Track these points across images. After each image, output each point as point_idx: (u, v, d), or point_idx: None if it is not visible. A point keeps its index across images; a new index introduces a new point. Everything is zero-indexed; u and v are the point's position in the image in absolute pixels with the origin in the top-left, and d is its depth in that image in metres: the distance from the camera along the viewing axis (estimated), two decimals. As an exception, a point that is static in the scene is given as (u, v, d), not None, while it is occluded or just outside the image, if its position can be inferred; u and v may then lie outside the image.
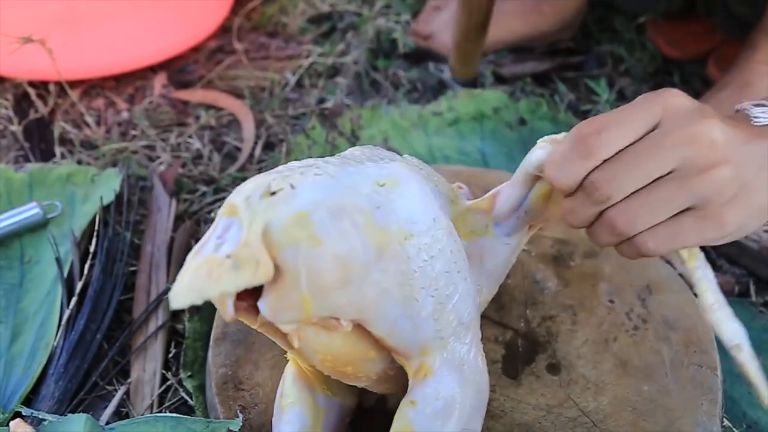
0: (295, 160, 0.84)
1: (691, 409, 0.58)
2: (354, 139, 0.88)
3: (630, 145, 0.47)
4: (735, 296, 0.76)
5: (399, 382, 0.51)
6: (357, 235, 0.44)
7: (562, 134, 0.51)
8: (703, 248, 0.79)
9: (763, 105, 0.50)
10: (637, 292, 0.67)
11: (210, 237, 0.43)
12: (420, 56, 1.09)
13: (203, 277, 0.41)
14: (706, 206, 0.47)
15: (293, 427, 0.52)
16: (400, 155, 0.54)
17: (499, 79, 1.05)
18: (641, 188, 0.47)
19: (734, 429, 0.63)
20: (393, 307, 0.46)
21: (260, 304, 0.43)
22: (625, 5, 1.02)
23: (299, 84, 1.06)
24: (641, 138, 0.47)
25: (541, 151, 0.52)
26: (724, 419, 0.63)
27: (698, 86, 1.02)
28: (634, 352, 0.63)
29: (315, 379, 0.53)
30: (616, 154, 0.47)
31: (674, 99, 0.47)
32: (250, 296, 0.44)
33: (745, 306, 0.73)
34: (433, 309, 0.48)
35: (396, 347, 0.48)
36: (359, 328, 0.47)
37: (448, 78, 1.03)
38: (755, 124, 0.49)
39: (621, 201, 0.48)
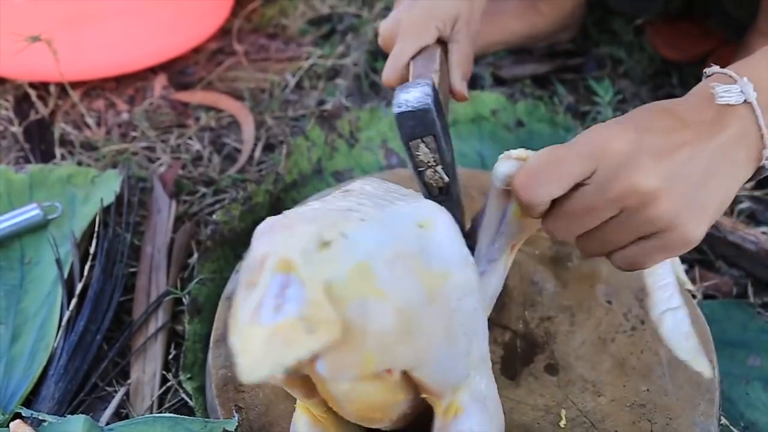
0: (295, 161, 0.86)
1: (689, 409, 0.59)
2: (353, 141, 0.89)
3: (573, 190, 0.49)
4: (733, 297, 0.76)
5: (410, 418, 0.51)
6: (412, 281, 0.43)
7: (518, 150, 0.52)
8: (701, 251, 0.80)
9: (730, 78, 0.49)
10: (635, 293, 0.67)
11: (264, 297, 0.39)
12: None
13: (280, 346, 0.37)
14: (662, 232, 0.49)
15: None
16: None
17: (499, 81, 1.05)
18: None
19: (732, 429, 0.63)
20: (440, 348, 0.45)
21: (319, 365, 0.40)
22: (619, 7, 1.03)
23: (299, 86, 1.06)
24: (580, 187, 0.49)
25: (506, 163, 0.51)
26: (722, 419, 0.63)
27: (697, 88, 1.02)
28: (631, 352, 0.63)
29: (331, 426, 0.51)
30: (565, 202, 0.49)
31: (610, 146, 0.48)
32: None
33: (743, 307, 0.73)
34: (465, 346, 0.47)
35: (434, 388, 0.47)
36: (402, 374, 0.45)
37: None
38: (718, 102, 0.49)
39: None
